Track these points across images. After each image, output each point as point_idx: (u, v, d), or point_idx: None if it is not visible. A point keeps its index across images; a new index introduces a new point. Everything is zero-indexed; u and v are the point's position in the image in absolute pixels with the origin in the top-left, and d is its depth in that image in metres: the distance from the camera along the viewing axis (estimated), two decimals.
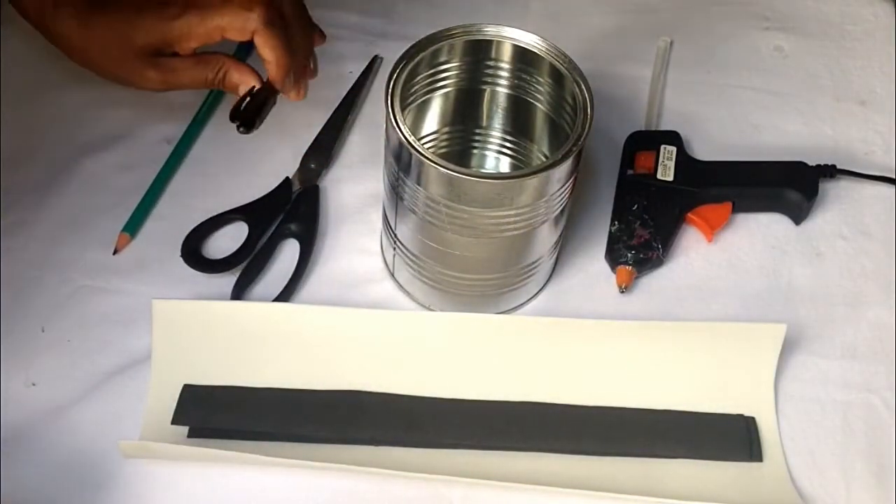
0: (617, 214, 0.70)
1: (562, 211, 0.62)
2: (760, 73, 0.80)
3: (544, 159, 0.63)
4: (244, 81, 0.65)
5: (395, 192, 0.61)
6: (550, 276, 0.68)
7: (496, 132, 0.69)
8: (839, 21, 0.84)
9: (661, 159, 0.71)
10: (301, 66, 0.66)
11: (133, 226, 0.69)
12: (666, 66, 0.80)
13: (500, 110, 0.67)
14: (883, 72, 0.81)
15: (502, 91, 0.66)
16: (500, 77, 0.65)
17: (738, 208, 0.71)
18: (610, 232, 0.69)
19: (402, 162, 0.59)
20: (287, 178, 0.72)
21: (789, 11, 0.85)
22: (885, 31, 0.84)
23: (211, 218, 0.70)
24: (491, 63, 0.64)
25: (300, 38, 0.66)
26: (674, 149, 0.72)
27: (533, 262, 0.64)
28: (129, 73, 0.66)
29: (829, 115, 0.78)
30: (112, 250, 0.68)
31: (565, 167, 0.57)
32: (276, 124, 0.75)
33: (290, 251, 0.69)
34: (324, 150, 0.74)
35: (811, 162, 0.72)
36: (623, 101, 0.78)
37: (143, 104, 0.76)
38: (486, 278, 0.64)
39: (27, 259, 0.67)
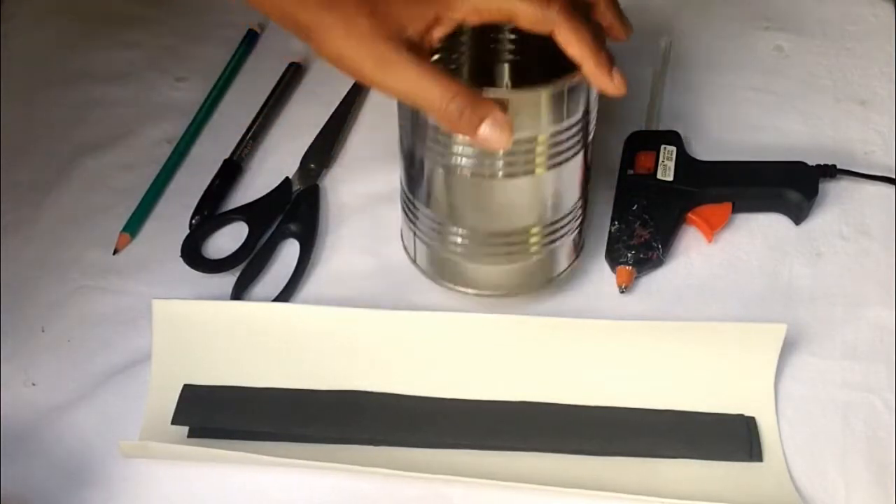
0: (617, 214, 0.70)
1: (584, 147, 0.60)
2: (760, 73, 0.81)
3: None
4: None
5: (416, 147, 0.58)
6: (580, 251, 0.67)
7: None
8: (839, 21, 0.84)
9: (661, 159, 0.71)
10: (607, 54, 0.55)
11: (133, 226, 0.69)
12: (666, 66, 0.80)
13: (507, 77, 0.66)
14: (883, 72, 0.81)
15: (508, 61, 0.64)
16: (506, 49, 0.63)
17: (738, 208, 0.71)
18: (610, 232, 0.69)
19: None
20: (287, 178, 0.72)
21: (789, 11, 0.85)
22: (885, 31, 0.84)
23: (211, 218, 0.70)
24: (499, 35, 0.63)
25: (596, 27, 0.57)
26: (674, 149, 0.72)
27: (565, 216, 0.62)
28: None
29: (829, 115, 0.78)
30: (112, 250, 0.68)
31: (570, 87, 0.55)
32: (276, 124, 0.76)
33: (290, 251, 0.69)
34: (324, 150, 0.74)
35: (811, 162, 0.72)
36: (623, 101, 0.77)
37: (143, 104, 0.76)
38: (516, 230, 0.61)
39: (27, 259, 0.67)
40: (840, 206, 0.73)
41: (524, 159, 0.57)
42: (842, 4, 0.85)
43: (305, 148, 0.74)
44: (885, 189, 0.74)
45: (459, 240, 0.62)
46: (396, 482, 0.59)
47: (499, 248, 0.62)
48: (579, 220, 0.65)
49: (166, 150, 0.73)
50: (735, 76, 0.80)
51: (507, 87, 0.66)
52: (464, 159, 0.57)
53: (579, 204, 0.64)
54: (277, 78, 0.77)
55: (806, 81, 0.80)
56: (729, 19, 0.84)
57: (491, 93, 0.53)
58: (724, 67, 0.81)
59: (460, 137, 0.55)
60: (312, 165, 0.73)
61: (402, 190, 0.64)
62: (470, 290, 0.64)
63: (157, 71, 0.78)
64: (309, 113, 0.76)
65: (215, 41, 0.80)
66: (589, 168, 0.63)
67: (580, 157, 0.60)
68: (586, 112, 0.58)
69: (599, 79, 0.55)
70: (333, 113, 0.76)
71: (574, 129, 0.58)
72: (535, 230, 0.62)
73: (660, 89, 0.78)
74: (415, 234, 0.64)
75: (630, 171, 0.71)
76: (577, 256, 0.67)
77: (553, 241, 0.63)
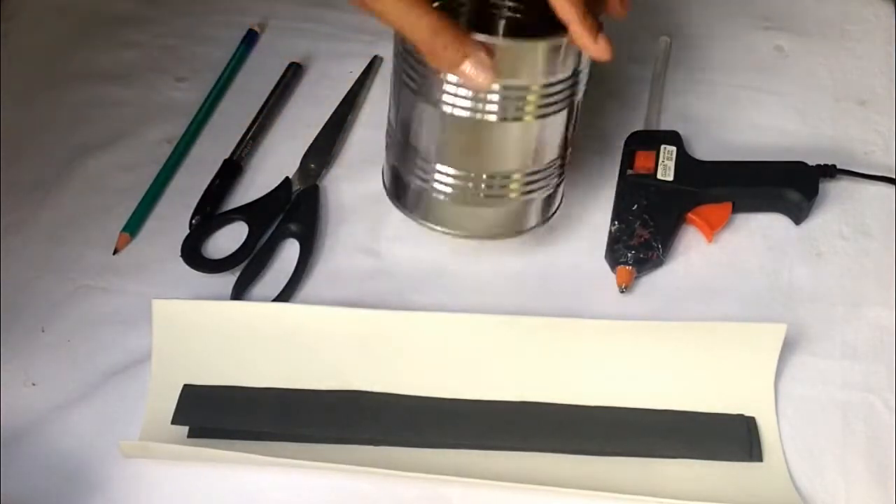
0: (617, 214, 0.70)
1: (572, 105, 0.61)
2: (760, 73, 0.81)
3: None
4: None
5: (409, 82, 0.60)
6: (555, 210, 0.68)
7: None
8: (839, 21, 0.84)
9: (661, 159, 0.71)
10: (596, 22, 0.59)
11: (133, 226, 0.69)
12: (666, 66, 0.80)
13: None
14: (883, 72, 0.81)
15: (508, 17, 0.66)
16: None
17: (738, 208, 0.71)
18: (610, 232, 0.69)
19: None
20: (287, 178, 0.72)
21: (789, 11, 0.85)
22: (885, 31, 0.84)
23: (211, 218, 0.70)
24: None
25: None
26: (674, 149, 0.72)
27: (545, 167, 0.63)
28: None
29: (829, 115, 0.78)
30: (112, 250, 0.68)
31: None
32: (276, 124, 0.76)
33: (290, 251, 0.69)
34: (324, 150, 0.74)
35: (811, 162, 0.72)
36: (623, 101, 0.78)
37: (143, 104, 0.76)
38: (499, 172, 0.62)
39: (27, 259, 0.67)
40: (840, 206, 0.73)
41: (515, 105, 0.59)
42: (842, 4, 0.85)
43: (305, 148, 0.74)
44: (885, 189, 0.74)
45: (442, 178, 0.62)
46: (396, 482, 0.59)
47: (479, 189, 0.63)
48: (558, 177, 0.66)
49: (166, 150, 0.73)
50: (735, 76, 0.80)
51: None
52: (458, 99, 0.58)
53: (558, 162, 0.65)
54: (277, 78, 0.77)
55: (806, 81, 0.80)
56: (729, 19, 0.84)
57: (481, 37, 0.55)
58: (724, 67, 0.81)
59: (453, 76, 0.56)
60: (312, 165, 0.73)
61: (389, 124, 0.64)
62: (439, 228, 0.65)
63: (157, 71, 0.78)
64: (309, 113, 0.76)
65: (215, 41, 0.80)
66: (575, 127, 0.64)
67: (566, 112, 0.61)
68: (576, 71, 0.60)
69: (584, 40, 0.57)
70: (333, 113, 0.76)
71: (563, 85, 0.59)
72: (516, 176, 0.63)
73: (660, 89, 0.78)
74: (396, 168, 0.65)
75: (630, 171, 0.71)
76: (552, 213, 0.67)
77: (531, 192, 0.64)
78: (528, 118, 0.60)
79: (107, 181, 0.71)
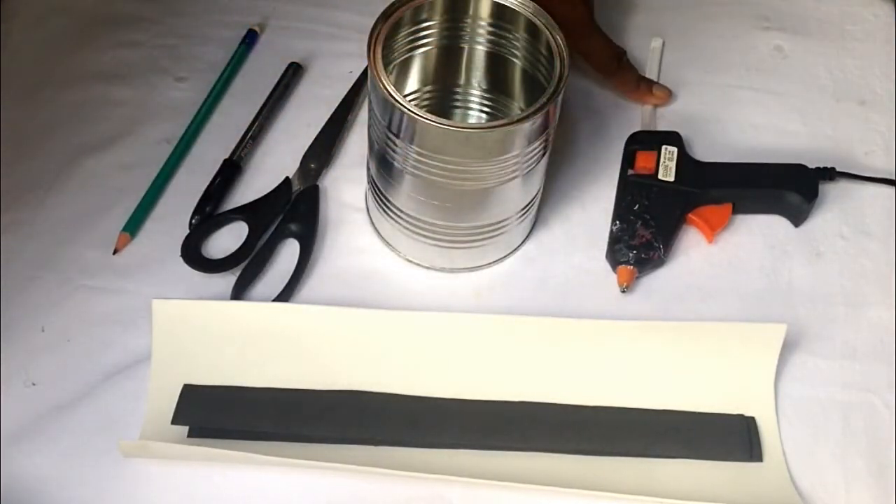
0: (618, 214, 0.70)
1: (530, 171, 0.63)
2: (760, 73, 0.80)
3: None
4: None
5: (383, 150, 0.62)
6: (526, 238, 0.70)
7: (476, 90, 0.71)
8: (839, 21, 0.84)
9: (662, 160, 0.71)
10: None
11: (133, 226, 0.69)
12: (660, 66, 0.80)
13: (479, 67, 0.69)
14: (883, 72, 0.81)
15: (481, 49, 0.67)
16: (478, 34, 0.66)
17: (738, 209, 0.71)
18: (611, 231, 0.69)
19: (392, 121, 0.60)
20: (287, 178, 0.72)
21: (789, 11, 0.85)
22: (885, 31, 0.84)
23: (211, 218, 0.70)
24: (469, 20, 0.65)
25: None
26: (675, 149, 0.72)
27: (500, 221, 0.65)
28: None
29: (828, 115, 0.78)
30: (112, 250, 0.68)
31: (538, 120, 0.58)
32: (276, 124, 0.76)
33: (290, 251, 0.69)
34: (324, 149, 0.74)
35: (811, 162, 0.72)
36: (623, 101, 0.78)
37: (143, 104, 0.76)
38: (493, 222, 0.65)
39: (27, 259, 0.67)
40: (840, 206, 0.73)
41: (508, 169, 0.61)
42: (842, 4, 0.85)
43: (305, 148, 0.74)
44: (885, 190, 0.74)
45: (431, 229, 0.65)
46: (396, 482, 0.59)
47: (476, 236, 0.66)
48: (531, 215, 0.69)
49: (166, 150, 0.73)
50: (735, 76, 0.80)
51: (482, 70, 0.70)
52: (449, 174, 0.60)
53: (530, 206, 0.67)
54: (277, 78, 0.77)
55: (806, 81, 0.80)
56: (729, 19, 0.84)
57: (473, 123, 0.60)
58: (723, 67, 0.81)
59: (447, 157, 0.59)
60: (312, 165, 0.73)
61: (372, 180, 0.66)
62: (408, 258, 0.69)
63: (157, 71, 0.78)
64: (309, 113, 0.76)
65: (215, 41, 0.80)
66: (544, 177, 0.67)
67: (532, 170, 0.63)
68: (551, 126, 0.62)
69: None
70: (333, 113, 0.76)
71: (518, 159, 0.61)
72: (506, 221, 0.66)
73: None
74: (379, 211, 0.67)
75: (631, 171, 0.71)
76: (522, 242, 0.70)
77: (500, 234, 0.67)
78: (516, 179, 0.62)
79: (107, 181, 0.71)
